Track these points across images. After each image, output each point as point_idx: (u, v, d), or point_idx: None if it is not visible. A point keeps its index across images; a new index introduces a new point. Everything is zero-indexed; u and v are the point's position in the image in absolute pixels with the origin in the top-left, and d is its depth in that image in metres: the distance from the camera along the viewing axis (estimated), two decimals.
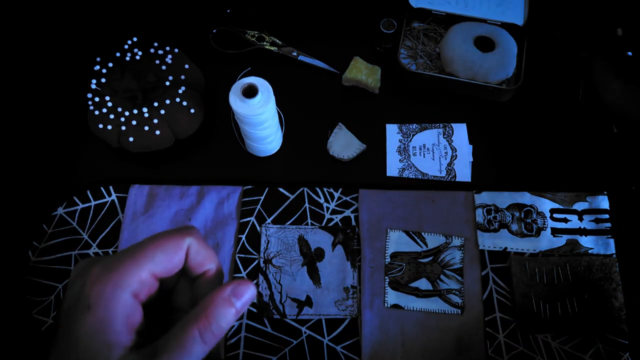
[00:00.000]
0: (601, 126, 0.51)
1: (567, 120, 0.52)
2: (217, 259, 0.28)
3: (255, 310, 0.44)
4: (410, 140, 0.51)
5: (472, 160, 0.50)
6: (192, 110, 0.49)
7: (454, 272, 0.45)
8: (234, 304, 0.25)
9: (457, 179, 0.49)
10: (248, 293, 0.26)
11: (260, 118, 0.44)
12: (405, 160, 0.50)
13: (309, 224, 0.47)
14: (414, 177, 0.50)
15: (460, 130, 0.51)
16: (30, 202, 0.49)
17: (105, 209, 0.48)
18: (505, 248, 0.46)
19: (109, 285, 0.25)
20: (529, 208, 0.47)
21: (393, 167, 0.50)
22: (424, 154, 0.51)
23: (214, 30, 0.56)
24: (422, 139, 0.51)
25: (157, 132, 0.48)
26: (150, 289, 0.26)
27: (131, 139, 0.48)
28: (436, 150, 0.51)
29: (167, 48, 0.51)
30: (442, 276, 0.45)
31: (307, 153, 0.51)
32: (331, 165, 0.50)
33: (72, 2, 0.58)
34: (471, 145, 0.51)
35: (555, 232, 0.46)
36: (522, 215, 0.47)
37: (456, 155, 0.50)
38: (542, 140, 0.51)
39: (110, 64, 0.49)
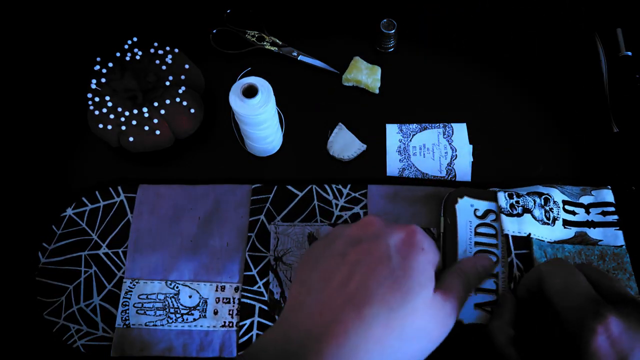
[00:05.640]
0: (601, 125, 0.51)
1: (568, 120, 0.52)
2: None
3: (266, 308, 0.44)
4: (410, 140, 0.51)
5: (472, 160, 0.50)
6: (192, 110, 0.49)
7: None
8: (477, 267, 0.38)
9: (457, 179, 0.49)
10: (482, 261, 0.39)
11: (260, 118, 0.44)
12: (405, 160, 0.50)
13: (318, 221, 0.47)
14: (414, 177, 0.50)
15: (460, 130, 0.51)
16: (39, 203, 0.49)
17: (114, 209, 0.48)
18: (529, 234, 0.44)
19: (432, 245, 0.34)
20: (546, 195, 0.45)
21: (393, 167, 0.50)
22: (424, 154, 0.51)
23: (214, 30, 0.56)
24: (422, 139, 0.51)
25: (157, 132, 0.48)
26: None
27: (131, 139, 0.48)
28: (436, 150, 0.51)
29: (167, 48, 0.51)
30: None
31: (307, 153, 0.51)
32: (331, 165, 0.50)
33: (72, 2, 0.58)
34: (471, 145, 0.51)
35: (565, 223, 0.45)
36: (542, 202, 0.45)
37: (456, 155, 0.50)
38: (543, 140, 0.51)
39: (110, 64, 0.49)
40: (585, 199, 0.46)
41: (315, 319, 0.30)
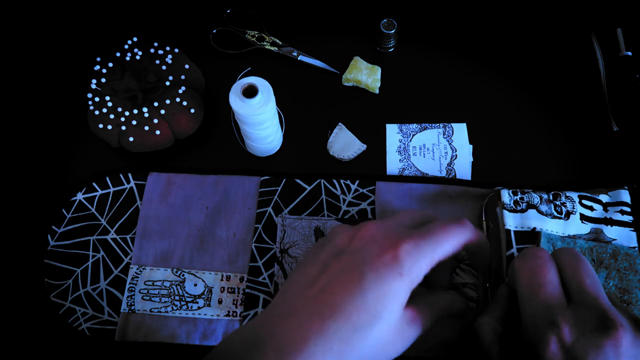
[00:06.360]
0: (601, 124, 0.51)
1: (568, 119, 0.52)
2: (488, 247, 0.38)
3: (271, 299, 0.44)
4: (410, 140, 0.51)
5: (472, 160, 0.50)
6: (192, 110, 0.49)
7: (469, 266, 0.45)
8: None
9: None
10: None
11: (260, 118, 0.44)
12: (405, 160, 0.50)
13: (325, 215, 0.47)
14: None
15: (460, 130, 0.51)
16: (50, 188, 0.50)
17: (123, 195, 0.49)
18: (534, 228, 0.43)
19: (420, 261, 0.32)
20: (556, 191, 0.45)
21: (393, 167, 0.50)
22: (424, 154, 0.51)
23: (214, 30, 0.56)
24: (422, 139, 0.51)
25: (157, 132, 0.48)
26: None
27: (131, 139, 0.48)
28: (436, 150, 0.51)
29: (167, 48, 0.51)
30: (457, 270, 0.45)
31: (307, 153, 0.51)
32: (331, 165, 0.50)
33: (72, 2, 0.58)
34: (471, 145, 0.51)
35: (582, 218, 0.44)
36: (551, 197, 0.45)
37: (456, 155, 0.50)
38: (543, 139, 0.51)
39: (110, 64, 0.49)
40: (602, 198, 0.46)
41: (286, 322, 0.31)
